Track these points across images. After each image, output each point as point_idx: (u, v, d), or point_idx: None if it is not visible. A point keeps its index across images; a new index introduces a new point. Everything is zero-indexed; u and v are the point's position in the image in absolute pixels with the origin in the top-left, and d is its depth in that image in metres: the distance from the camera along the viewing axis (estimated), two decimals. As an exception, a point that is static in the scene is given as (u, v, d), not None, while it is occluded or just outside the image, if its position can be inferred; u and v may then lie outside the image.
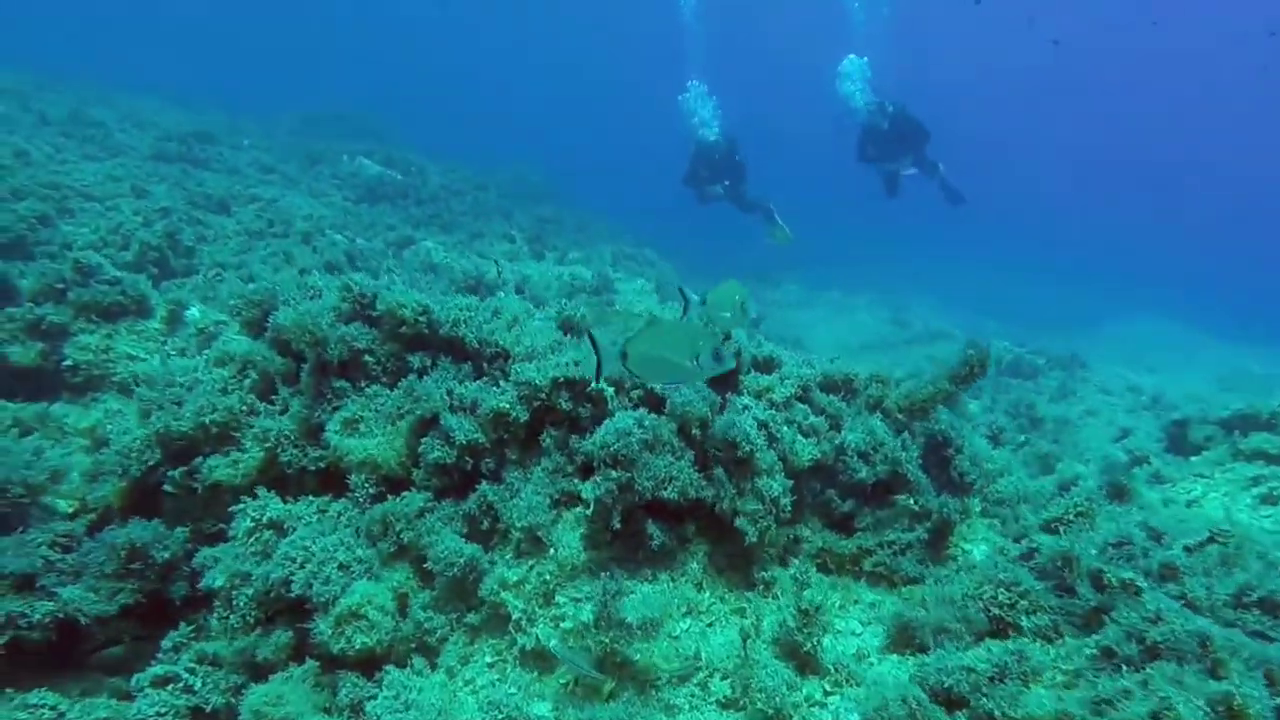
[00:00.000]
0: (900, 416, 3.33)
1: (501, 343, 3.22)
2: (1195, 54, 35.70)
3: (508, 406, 2.93)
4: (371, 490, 3.01)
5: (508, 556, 2.89)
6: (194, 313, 4.97)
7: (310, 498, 3.06)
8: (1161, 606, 2.19)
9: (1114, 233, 31.11)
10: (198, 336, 4.81)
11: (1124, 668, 2.14)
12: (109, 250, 6.18)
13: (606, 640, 2.59)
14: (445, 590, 2.87)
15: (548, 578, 2.81)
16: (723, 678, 2.67)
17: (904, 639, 2.78)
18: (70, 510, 3.24)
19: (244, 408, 3.22)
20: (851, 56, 11.15)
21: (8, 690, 2.76)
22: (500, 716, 2.48)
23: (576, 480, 2.94)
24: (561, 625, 2.72)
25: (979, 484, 3.34)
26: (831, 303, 15.18)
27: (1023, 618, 2.57)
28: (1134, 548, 2.59)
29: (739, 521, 2.88)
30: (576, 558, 2.84)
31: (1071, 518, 2.92)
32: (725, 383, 3.17)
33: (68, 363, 4.41)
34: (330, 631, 2.68)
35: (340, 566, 2.77)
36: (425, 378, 3.10)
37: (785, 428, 3.06)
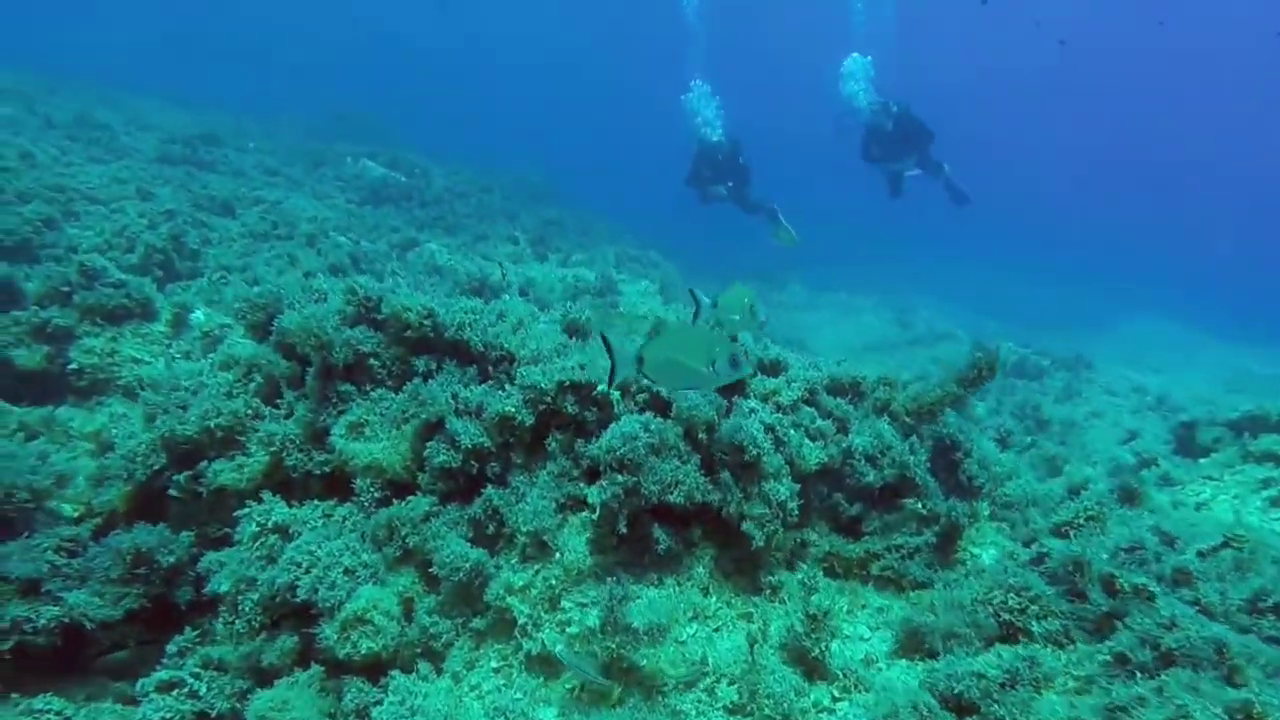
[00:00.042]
0: (908, 420, 3.30)
1: (507, 346, 3.20)
2: (1201, 54, 35.60)
3: (513, 410, 2.91)
4: (377, 494, 3.00)
5: (513, 561, 2.88)
6: (199, 316, 4.98)
7: (315, 502, 3.05)
8: (1176, 612, 2.16)
9: (1114, 233, 31.05)
10: (203, 340, 4.82)
11: (1138, 674, 2.12)
12: (114, 253, 6.20)
13: (613, 646, 2.57)
14: (451, 595, 2.85)
15: (553, 582, 2.80)
16: (730, 683, 2.64)
17: (913, 644, 2.75)
18: (75, 514, 3.24)
19: (249, 412, 3.21)
20: (855, 55, 11.10)
21: (13, 695, 2.76)
22: (506, 722, 2.47)
23: (582, 484, 2.93)
24: (567, 630, 2.71)
25: (987, 487, 3.32)
26: (836, 304, 15.15)
27: (1033, 623, 2.55)
28: (1146, 553, 2.57)
29: (746, 526, 2.86)
30: (582, 562, 2.82)
31: (1082, 522, 2.89)
32: (732, 386, 3.16)
33: (73, 366, 4.41)
34: (336, 636, 2.67)
35: (346, 571, 2.76)
36: (430, 381, 3.09)
37: (792, 431, 3.04)
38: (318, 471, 3.09)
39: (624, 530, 2.77)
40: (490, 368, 3.22)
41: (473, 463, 2.96)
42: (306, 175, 11.37)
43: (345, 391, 3.14)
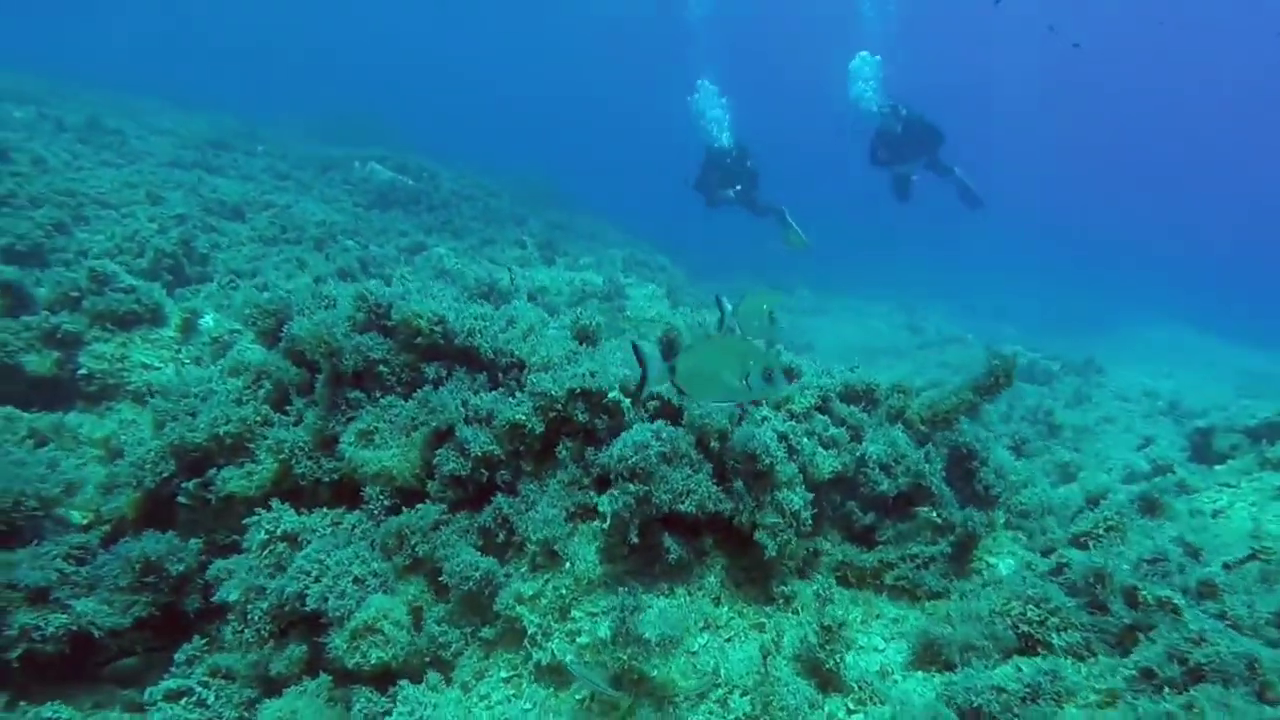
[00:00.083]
0: (922, 427, 3.26)
1: (517, 353, 3.18)
2: (1204, 56, 35.39)
3: (523, 418, 2.89)
4: (386, 502, 2.98)
5: (523, 570, 2.85)
6: (208, 321, 4.98)
7: (324, 510, 3.03)
8: (1205, 627, 2.11)
9: (1119, 235, 30.91)
10: (212, 345, 4.81)
11: (1166, 689, 2.07)
12: (124, 257, 6.24)
13: (624, 657, 2.54)
14: (460, 604, 2.83)
15: (564, 592, 2.77)
16: (742, 694, 2.60)
17: (929, 656, 2.71)
18: (84, 521, 3.23)
19: (258, 418, 3.20)
20: (863, 54, 11.01)
21: (21, 703, 2.75)
22: (516, 734, 2.44)
23: (593, 493, 2.89)
24: (578, 640, 2.68)
25: (1004, 496, 3.27)
26: (844, 307, 15.10)
27: (1053, 635, 2.50)
28: (1170, 564, 2.52)
29: (758, 535, 2.82)
30: (593, 571, 2.79)
31: (1101, 532, 2.84)
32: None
33: (83, 371, 4.41)
34: (345, 646, 2.64)
35: (355, 580, 2.74)
36: (440, 388, 3.07)
37: (805, 439, 3.01)
38: (327, 479, 3.07)
39: (635, 540, 2.73)
40: (500, 374, 3.19)
41: (482, 470, 2.94)
42: (315, 179, 11.41)
43: (355, 398, 3.12)
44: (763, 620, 2.88)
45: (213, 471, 3.14)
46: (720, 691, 2.60)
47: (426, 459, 2.99)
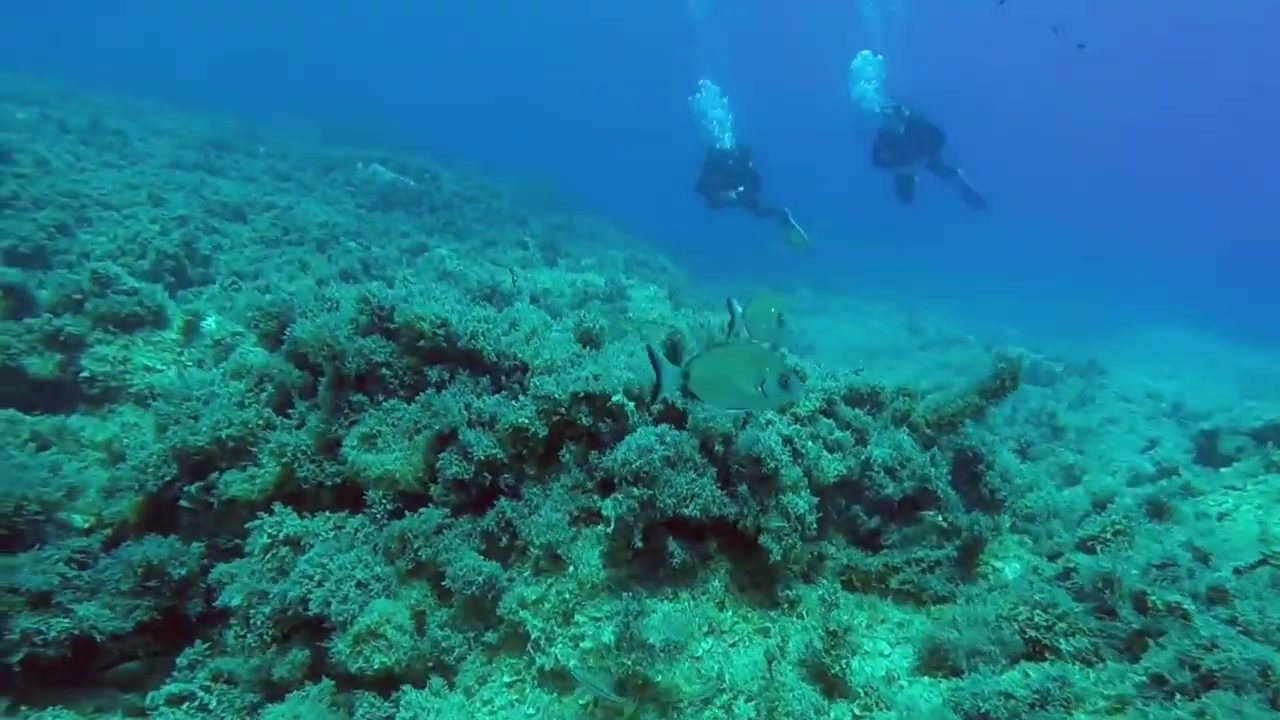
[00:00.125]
0: (928, 431, 3.24)
1: (520, 355, 3.17)
2: (1206, 59, 35.37)
3: (527, 421, 2.87)
4: (389, 506, 2.97)
5: (526, 574, 2.83)
6: (210, 323, 4.97)
7: (327, 514, 3.01)
8: (1217, 633, 2.09)
9: (1116, 235, 30.90)
10: (214, 348, 4.80)
11: (1177, 696, 2.05)
12: (126, 259, 6.24)
13: (629, 662, 2.52)
14: (463, 608, 2.81)
15: (567, 596, 2.75)
16: (747, 700, 2.58)
17: (935, 661, 2.69)
18: (86, 525, 3.22)
19: (261, 422, 3.18)
20: (865, 53, 10.98)
21: (22, 708, 2.74)
22: (520, 740, 2.42)
23: (596, 497, 2.88)
24: (581, 645, 2.66)
25: (1010, 500, 3.25)
26: (845, 308, 15.07)
27: (1061, 640, 2.48)
28: (1179, 569, 2.50)
29: (763, 539, 2.80)
30: (596, 576, 2.78)
31: (1109, 536, 2.82)
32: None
33: (85, 374, 4.40)
34: (348, 651, 2.63)
35: (358, 584, 2.73)
36: (443, 392, 3.05)
37: (810, 443, 2.99)
38: (329, 483, 3.06)
39: (639, 544, 2.72)
40: (503, 378, 3.18)
41: (485, 474, 2.92)
42: (317, 180, 11.41)
43: (357, 402, 3.11)
44: (767, 625, 2.86)
45: (215, 475, 3.12)
46: (725, 697, 2.58)
47: (429, 462, 2.97)
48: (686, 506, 2.72)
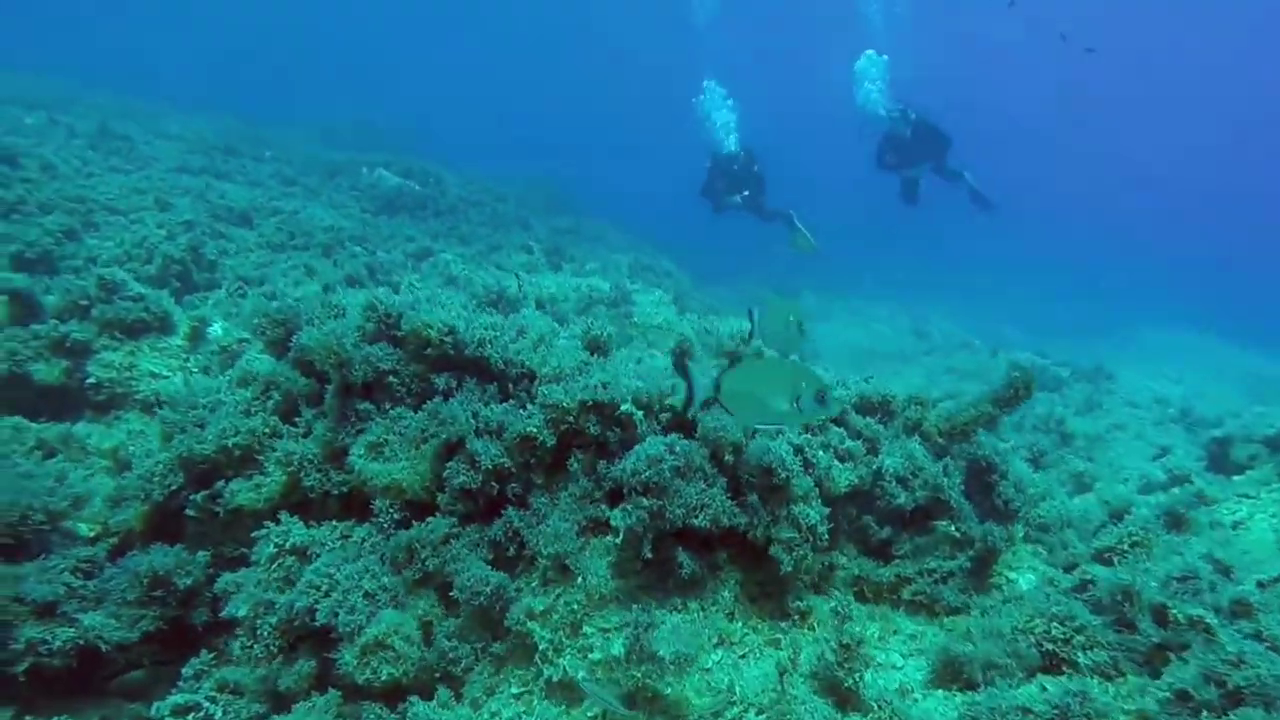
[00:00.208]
0: (940, 440, 3.21)
1: (528, 363, 3.14)
2: (1210, 55, 35.28)
3: (535, 430, 2.85)
4: (396, 515, 2.94)
5: (534, 585, 2.80)
6: (216, 330, 4.96)
7: (334, 523, 2.99)
8: (1244, 648, 2.04)
9: (1116, 235, 30.79)
10: (220, 354, 4.79)
11: (1204, 713, 2.00)
12: (133, 264, 6.23)
13: (638, 674, 2.49)
14: (470, 619, 2.78)
15: (575, 607, 2.72)
16: (758, 713, 2.55)
17: (949, 673, 2.65)
18: (92, 534, 3.20)
19: (267, 430, 3.16)
20: (869, 53, 10.92)
21: (28, 717, 2.72)
22: (528, 754, 2.39)
23: (604, 506, 2.85)
24: (590, 657, 2.63)
25: (1023, 510, 3.21)
26: (849, 311, 15.02)
27: (1079, 654, 2.44)
28: (1200, 582, 2.45)
29: (774, 550, 2.77)
30: (605, 586, 2.74)
31: (1126, 548, 2.78)
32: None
33: (91, 380, 4.39)
34: (355, 662, 2.60)
35: (365, 595, 2.70)
36: (450, 400, 3.03)
37: (821, 452, 2.96)
38: (336, 492, 3.04)
39: (648, 555, 2.69)
40: (511, 386, 3.15)
41: (493, 483, 2.89)
42: (322, 184, 11.42)
43: (364, 410, 3.09)
44: (778, 636, 2.83)
45: (221, 484, 3.10)
46: (735, 710, 2.54)
47: (436, 471, 2.95)
48: (696, 517, 2.69)
